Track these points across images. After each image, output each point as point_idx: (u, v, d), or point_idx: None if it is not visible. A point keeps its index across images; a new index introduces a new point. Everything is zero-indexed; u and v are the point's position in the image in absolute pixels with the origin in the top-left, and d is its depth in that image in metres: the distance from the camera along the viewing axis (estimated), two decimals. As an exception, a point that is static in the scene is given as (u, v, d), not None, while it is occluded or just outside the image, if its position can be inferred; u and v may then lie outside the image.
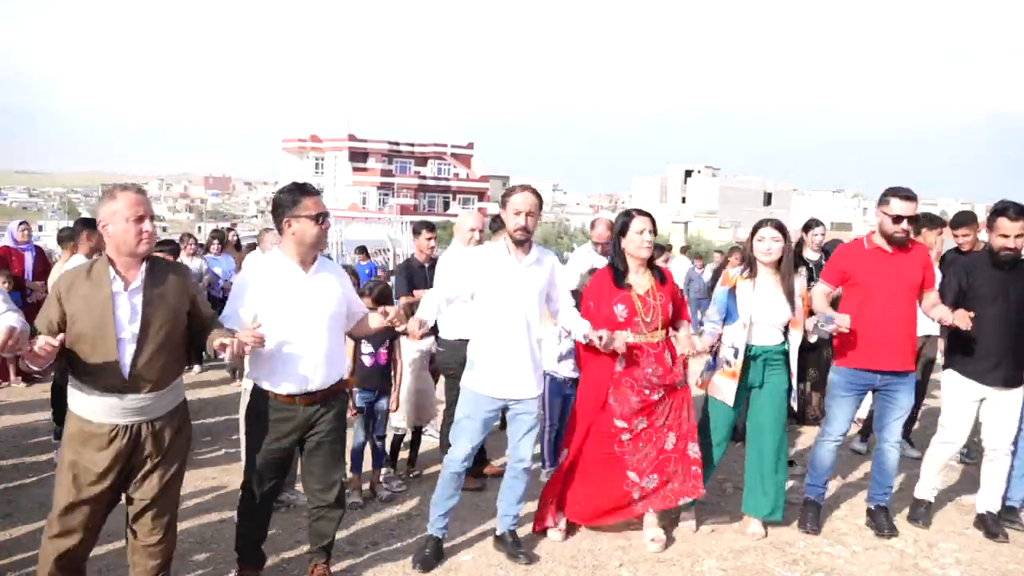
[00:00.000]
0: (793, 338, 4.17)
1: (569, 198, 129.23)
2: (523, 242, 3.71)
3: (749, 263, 4.19)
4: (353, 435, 4.74)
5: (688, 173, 65.38)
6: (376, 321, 3.40)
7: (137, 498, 3.00)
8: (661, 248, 5.97)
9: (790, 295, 4.10)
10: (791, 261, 4.18)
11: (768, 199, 60.11)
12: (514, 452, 3.85)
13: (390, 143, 61.23)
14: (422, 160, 61.92)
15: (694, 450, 4.06)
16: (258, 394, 3.33)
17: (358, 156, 59.90)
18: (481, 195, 60.53)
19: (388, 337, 4.67)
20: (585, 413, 4.04)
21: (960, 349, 4.30)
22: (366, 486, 4.75)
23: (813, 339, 4.29)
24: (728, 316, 4.15)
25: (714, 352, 4.20)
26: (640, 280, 4.01)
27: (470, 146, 65.14)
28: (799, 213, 51.71)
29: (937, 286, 4.38)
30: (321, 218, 3.26)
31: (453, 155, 63.69)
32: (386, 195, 58.41)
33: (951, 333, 4.37)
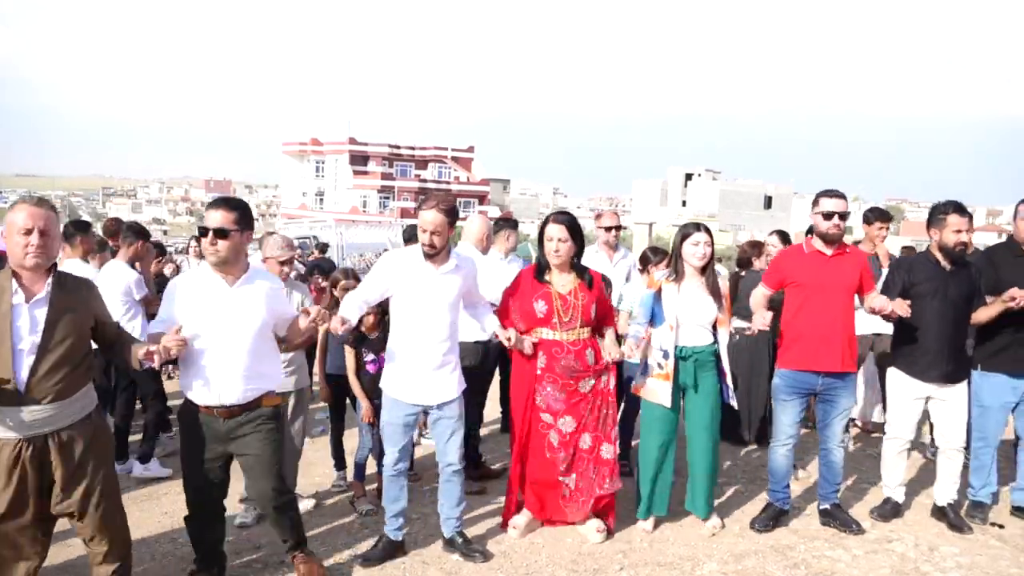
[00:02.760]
0: (721, 337, 4.24)
1: (570, 201, 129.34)
2: (433, 256, 3.73)
3: (675, 266, 4.22)
4: (358, 443, 4.73)
5: (689, 176, 65.44)
6: (303, 321, 3.39)
7: (63, 511, 3.00)
8: (664, 253, 5.91)
9: (715, 294, 4.17)
10: (714, 262, 4.27)
11: (768, 202, 60.17)
12: (442, 457, 3.90)
13: (390, 146, 61.31)
14: (422, 163, 62.00)
15: (608, 451, 4.12)
16: (186, 403, 3.39)
17: (358, 159, 59.96)
18: (482, 198, 60.58)
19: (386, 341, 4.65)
20: (518, 409, 4.14)
21: (903, 347, 4.40)
22: (368, 489, 4.74)
23: (736, 338, 4.35)
24: (654, 319, 4.20)
25: (644, 356, 4.24)
26: (562, 280, 4.07)
27: (470, 149, 65.21)
28: (800, 216, 51.72)
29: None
30: (203, 232, 3.25)
31: (453, 158, 63.77)
32: (387, 198, 58.46)
33: (895, 331, 4.47)
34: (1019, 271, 4.39)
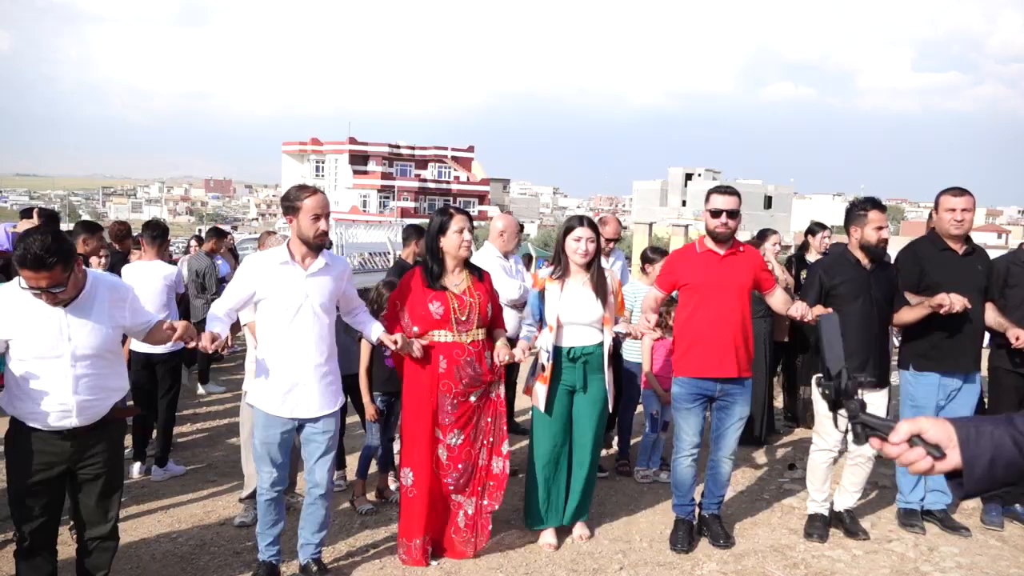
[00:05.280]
0: (605, 338, 4.00)
1: (570, 202, 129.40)
2: (315, 249, 3.49)
3: (561, 263, 4.00)
4: (365, 440, 4.71)
5: (688, 176, 65.45)
6: (164, 335, 3.15)
7: None
8: (663, 252, 5.91)
9: (601, 292, 3.95)
10: (600, 258, 4.05)
11: (768, 202, 60.15)
12: (310, 476, 3.60)
13: (390, 146, 61.39)
14: (422, 163, 62.08)
15: (498, 465, 3.88)
16: (18, 427, 3.01)
17: (358, 159, 60.03)
18: (482, 198, 60.66)
19: None
20: (417, 424, 3.80)
21: None
22: (371, 494, 4.73)
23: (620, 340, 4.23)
24: (540, 318, 4.01)
25: (536, 357, 4.03)
26: (456, 279, 3.83)
27: (470, 149, 65.30)
28: (799, 216, 51.77)
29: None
30: (35, 290, 2.86)
31: (453, 158, 63.83)
32: (387, 198, 58.51)
33: (816, 336, 4.29)
34: (945, 266, 4.24)
